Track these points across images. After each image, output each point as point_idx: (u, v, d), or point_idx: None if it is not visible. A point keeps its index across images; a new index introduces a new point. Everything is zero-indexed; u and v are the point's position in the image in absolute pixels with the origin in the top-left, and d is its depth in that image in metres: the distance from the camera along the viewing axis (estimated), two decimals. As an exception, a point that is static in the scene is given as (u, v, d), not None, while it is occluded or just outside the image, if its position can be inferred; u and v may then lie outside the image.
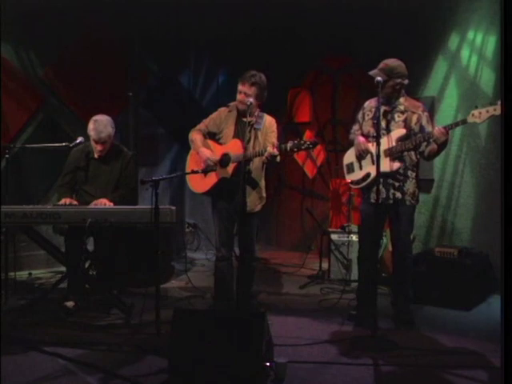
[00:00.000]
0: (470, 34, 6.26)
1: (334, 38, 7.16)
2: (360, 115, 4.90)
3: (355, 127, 4.94)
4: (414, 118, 4.61)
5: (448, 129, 4.35)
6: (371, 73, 4.53)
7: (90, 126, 5.11)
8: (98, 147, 5.13)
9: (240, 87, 4.75)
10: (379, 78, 4.35)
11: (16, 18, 6.39)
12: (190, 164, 4.98)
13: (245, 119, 4.70)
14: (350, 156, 4.89)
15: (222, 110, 4.96)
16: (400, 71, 4.57)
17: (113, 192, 5.17)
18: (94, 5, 6.60)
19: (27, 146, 6.08)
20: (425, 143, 4.54)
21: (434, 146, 4.50)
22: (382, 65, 4.57)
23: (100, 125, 5.08)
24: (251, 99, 4.64)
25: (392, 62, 4.57)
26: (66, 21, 6.76)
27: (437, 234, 6.55)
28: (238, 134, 4.77)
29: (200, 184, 4.91)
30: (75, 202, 5.02)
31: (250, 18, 6.97)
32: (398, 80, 4.57)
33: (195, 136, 4.93)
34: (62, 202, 4.99)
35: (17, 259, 5.85)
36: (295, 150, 4.36)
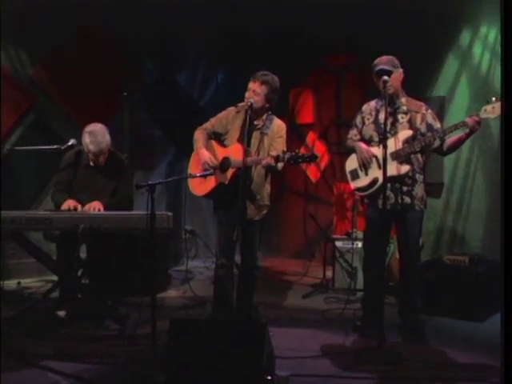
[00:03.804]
0: (483, 30, 6.25)
1: (338, 34, 7.16)
2: (358, 120, 4.90)
3: (353, 132, 4.93)
4: (418, 117, 4.64)
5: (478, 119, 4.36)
6: (380, 67, 4.54)
7: (86, 139, 5.06)
8: (100, 158, 5.14)
9: (250, 85, 4.74)
10: (386, 77, 4.40)
11: (5, 15, 6.39)
12: (192, 165, 4.98)
13: (256, 122, 4.73)
14: (352, 162, 4.86)
15: (231, 110, 4.93)
16: (397, 62, 4.64)
17: (107, 198, 5.17)
18: (89, 2, 6.61)
19: (17, 148, 6.09)
20: (438, 140, 4.56)
21: (461, 136, 4.53)
22: (381, 61, 4.61)
23: (98, 135, 5.05)
24: (254, 99, 4.65)
25: (386, 57, 4.64)
26: (59, 18, 6.76)
27: (447, 241, 6.56)
28: (244, 136, 4.76)
29: (199, 187, 4.91)
30: (79, 205, 5.00)
31: (250, 15, 6.98)
32: (400, 70, 4.63)
33: (199, 136, 4.93)
34: (65, 205, 4.97)
35: (5, 267, 5.85)
36: (292, 162, 4.35)
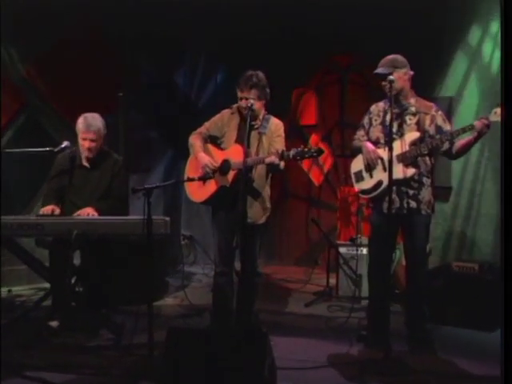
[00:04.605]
0: (493, 27, 6.22)
1: (341, 33, 7.16)
2: (366, 120, 4.92)
3: (360, 133, 4.94)
4: (428, 119, 4.64)
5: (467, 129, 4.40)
6: (377, 70, 4.59)
7: (79, 120, 5.11)
8: (86, 144, 5.10)
9: (239, 94, 4.76)
10: (391, 77, 4.41)
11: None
12: (189, 170, 4.98)
13: (253, 122, 4.72)
14: (358, 163, 4.88)
15: (225, 112, 4.96)
16: (402, 60, 4.65)
17: (99, 201, 5.17)
18: (84, 1, 6.61)
19: (7, 150, 6.08)
20: (447, 143, 4.56)
21: (469, 139, 4.52)
22: (381, 62, 4.65)
23: (90, 119, 5.09)
24: (252, 101, 4.65)
25: (389, 56, 4.66)
26: (52, 16, 6.75)
27: (455, 247, 6.53)
28: (241, 138, 4.74)
29: (198, 192, 4.91)
30: (58, 210, 5.01)
31: (251, 13, 6.97)
32: (404, 70, 4.62)
33: (194, 140, 4.94)
34: (45, 210, 4.98)
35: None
36: (298, 158, 4.38)
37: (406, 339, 4.77)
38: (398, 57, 4.65)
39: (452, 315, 5.33)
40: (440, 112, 4.72)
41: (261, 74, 4.77)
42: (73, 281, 5.05)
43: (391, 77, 4.42)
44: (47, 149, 5.39)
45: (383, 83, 4.52)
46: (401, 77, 4.60)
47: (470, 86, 6.41)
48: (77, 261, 5.26)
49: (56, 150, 5.32)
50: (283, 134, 4.88)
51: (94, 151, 5.15)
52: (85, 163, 5.23)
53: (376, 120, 4.83)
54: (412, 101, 4.70)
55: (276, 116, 4.94)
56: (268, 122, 4.84)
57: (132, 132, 7.58)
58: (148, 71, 8.21)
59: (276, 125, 4.87)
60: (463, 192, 6.46)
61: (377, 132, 4.79)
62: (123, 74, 7.50)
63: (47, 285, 5.41)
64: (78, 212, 4.96)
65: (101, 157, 5.24)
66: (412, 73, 4.67)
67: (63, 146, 5.33)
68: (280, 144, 4.78)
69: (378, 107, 4.86)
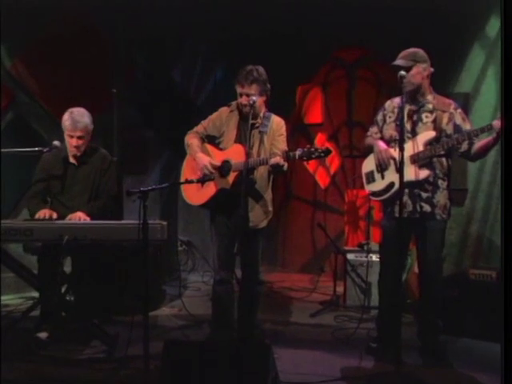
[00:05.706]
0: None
1: (348, 26, 7.14)
2: (380, 117, 4.91)
3: (373, 129, 4.95)
4: (445, 117, 4.62)
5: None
6: (396, 62, 4.57)
7: (65, 116, 5.13)
8: (73, 142, 5.12)
9: (239, 89, 4.74)
10: (403, 72, 4.37)
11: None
12: (186, 172, 4.97)
13: (253, 121, 4.70)
14: (369, 163, 4.88)
15: (223, 110, 4.95)
16: (423, 55, 4.63)
17: (89, 202, 5.17)
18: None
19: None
20: (466, 142, 4.53)
21: (488, 140, 4.48)
22: (401, 54, 4.64)
23: (77, 115, 5.11)
24: (254, 97, 4.64)
25: (411, 49, 4.65)
26: (41, 8, 6.75)
27: (471, 254, 6.51)
28: (241, 137, 4.75)
29: (196, 195, 4.90)
30: (55, 215, 4.99)
31: (252, 8, 6.96)
32: (424, 65, 4.61)
33: (191, 140, 4.93)
34: (41, 214, 4.96)
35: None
36: (305, 158, 4.37)
37: (418, 352, 4.77)
38: (420, 51, 4.63)
39: (468, 326, 5.32)
40: (459, 110, 4.69)
41: (261, 69, 4.76)
42: (63, 289, 5.03)
43: (402, 72, 4.38)
44: (37, 149, 5.37)
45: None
46: (420, 72, 4.58)
47: (488, 82, 6.37)
48: (67, 268, 5.25)
49: (46, 150, 5.31)
50: (285, 133, 4.88)
51: (81, 149, 5.18)
52: (72, 160, 5.24)
53: (390, 117, 4.81)
54: (430, 98, 4.68)
55: (279, 114, 4.93)
56: (269, 121, 4.83)
57: (127, 131, 7.57)
58: (144, 67, 8.19)
59: (277, 123, 4.86)
60: (480, 195, 6.44)
61: (390, 130, 4.78)
62: (118, 71, 7.49)
63: (36, 294, 5.40)
64: (69, 216, 4.95)
65: (88, 153, 5.26)
66: (432, 70, 4.65)
67: (53, 146, 5.32)
68: (282, 144, 4.78)
69: (393, 103, 4.84)
